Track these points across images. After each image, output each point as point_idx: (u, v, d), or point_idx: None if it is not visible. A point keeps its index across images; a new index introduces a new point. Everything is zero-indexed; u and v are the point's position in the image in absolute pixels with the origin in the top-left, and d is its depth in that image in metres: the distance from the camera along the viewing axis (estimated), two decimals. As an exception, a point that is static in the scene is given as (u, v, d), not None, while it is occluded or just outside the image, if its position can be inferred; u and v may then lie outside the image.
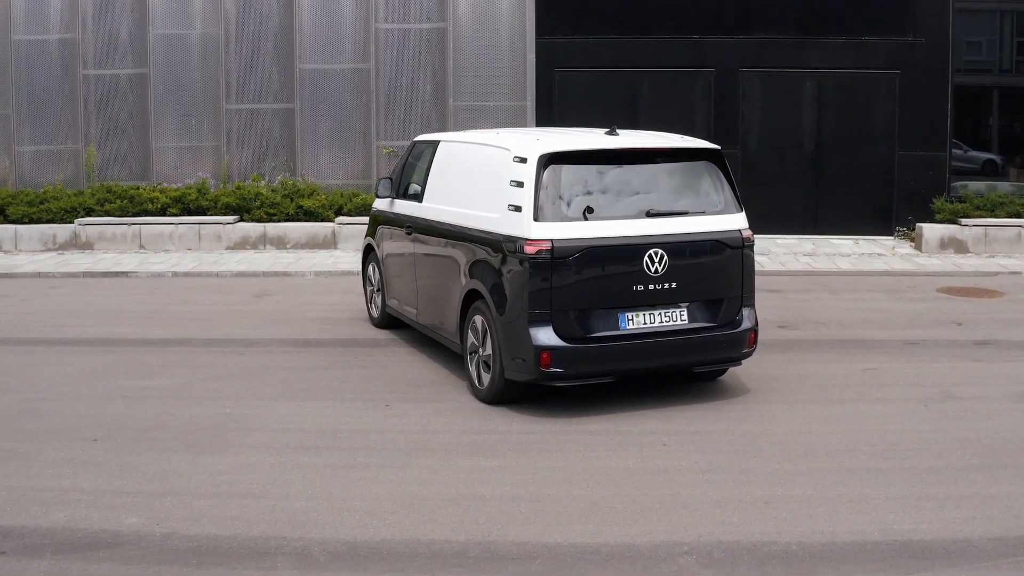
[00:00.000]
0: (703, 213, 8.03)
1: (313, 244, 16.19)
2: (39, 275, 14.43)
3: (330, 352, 9.95)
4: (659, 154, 8.18)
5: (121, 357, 9.87)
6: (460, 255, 8.52)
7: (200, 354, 9.95)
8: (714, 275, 8.04)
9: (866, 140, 16.75)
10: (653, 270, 7.71)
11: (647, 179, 8.03)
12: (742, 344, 8.11)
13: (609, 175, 7.95)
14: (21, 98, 17.40)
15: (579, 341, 7.64)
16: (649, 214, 7.82)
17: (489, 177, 8.29)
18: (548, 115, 17.01)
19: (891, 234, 16.66)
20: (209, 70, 17.31)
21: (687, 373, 8.42)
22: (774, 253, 15.51)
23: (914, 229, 16.09)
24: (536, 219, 7.60)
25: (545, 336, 7.56)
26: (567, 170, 7.80)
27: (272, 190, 16.68)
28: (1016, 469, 6.70)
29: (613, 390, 8.32)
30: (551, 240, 7.56)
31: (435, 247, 9.06)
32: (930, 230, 15.53)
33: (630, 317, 7.75)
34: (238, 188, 16.69)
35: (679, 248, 7.82)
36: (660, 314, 7.82)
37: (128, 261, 15.22)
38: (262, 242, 16.25)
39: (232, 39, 17.25)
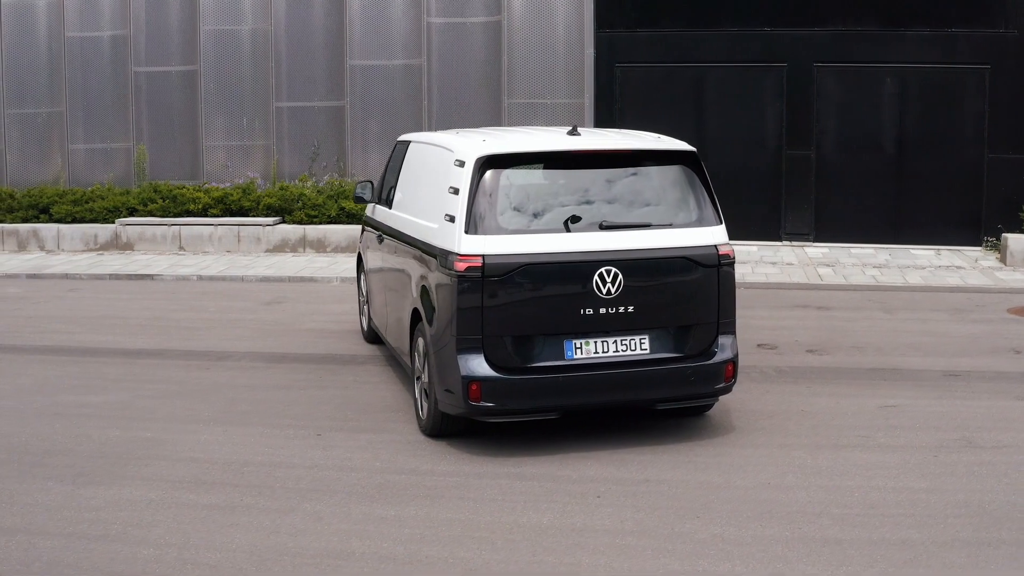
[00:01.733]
0: (670, 226, 6.94)
1: (353, 248, 15.51)
2: (66, 276, 14.17)
3: (300, 369, 9.21)
4: (622, 156, 7.11)
5: (84, 369, 9.36)
6: (413, 269, 7.65)
7: (164, 368, 9.35)
8: (683, 298, 6.95)
9: (952, 141, 15.17)
10: (605, 291, 6.69)
11: (606, 186, 6.99)
12: (716, 378, 6.99)
13: (560, 181, 6.97)
14: (74, 96, 17.25)
15: (516, 372, 6.67)
16: (602, 227, 6.79)
17: (437, 182, 7.40)
18: (608, 113, 15.97)
19: (979, 244, 15.07)
20: (259, 67, 16.84)
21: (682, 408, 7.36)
22: (841, 264, 14.15)
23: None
24: (468, 231, 6.66)
25: (476, 365, 6.62)
26: (509, 175, 6.84)
27: (318, 191, 16.11)
28: (1012, 548, 5.44)
29: (573, 425, 7.33)
30: (482, 256, 6.61)
31: (397, 258, 8.22)
32: (1015, 241, 13.89)
33: (577, 345, 6.74)
34: (281, 189, 16.16)
35: (637, 266, 6.76)
36: (615, 342, 6.79)
37: (160, 263, 14.85)
38: (301, 245, 15.69)
39: (282, 35, 16.74)
